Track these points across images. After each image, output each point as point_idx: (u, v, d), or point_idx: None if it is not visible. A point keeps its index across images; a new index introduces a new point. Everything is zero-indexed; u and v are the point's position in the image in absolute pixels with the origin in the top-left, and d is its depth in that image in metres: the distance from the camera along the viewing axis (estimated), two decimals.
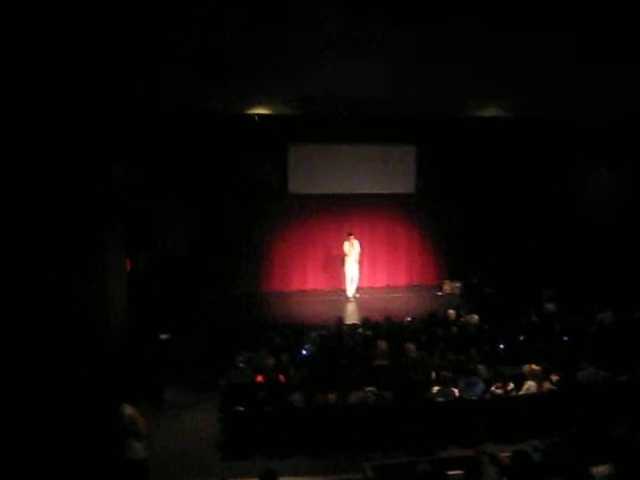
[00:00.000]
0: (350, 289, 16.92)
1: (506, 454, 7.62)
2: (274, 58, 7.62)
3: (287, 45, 7.03)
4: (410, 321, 13.28)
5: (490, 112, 12.19)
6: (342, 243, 17.31)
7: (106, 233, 8.06)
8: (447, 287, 17.68)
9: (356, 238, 16.78)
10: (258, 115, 11.69)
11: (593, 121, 13.78)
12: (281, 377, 10.55)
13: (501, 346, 11.94)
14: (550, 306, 13.98)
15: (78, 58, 6.47)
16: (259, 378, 10.63)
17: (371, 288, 17.79)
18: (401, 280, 18.37)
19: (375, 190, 17.37)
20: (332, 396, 9.99)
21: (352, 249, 16.67)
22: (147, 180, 14.07)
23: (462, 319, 13.28)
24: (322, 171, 16.71)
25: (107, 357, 7.61)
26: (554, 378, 10.53)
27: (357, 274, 16.91)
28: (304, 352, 11.63)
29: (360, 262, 16.95)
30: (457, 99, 11.34)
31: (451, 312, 13.52)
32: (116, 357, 8.46)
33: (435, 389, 10.23)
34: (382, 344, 11.58)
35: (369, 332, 12.42)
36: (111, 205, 8.59)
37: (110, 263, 8.26)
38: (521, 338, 12.32)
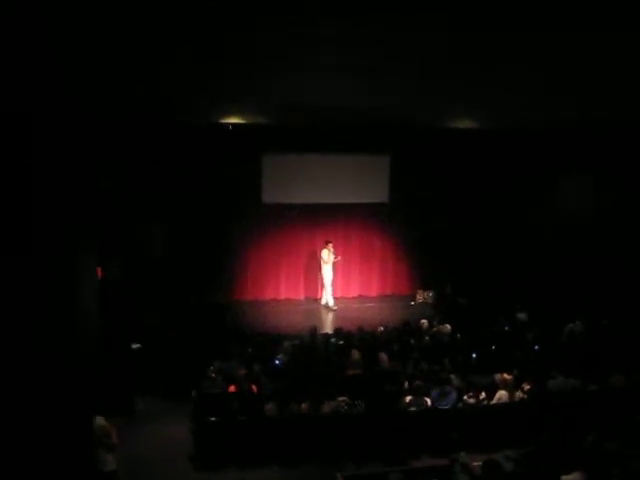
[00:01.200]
0: (329, 298, 16.98)
1: (478, 463, 7.71)
2: (246, 65, 7.57)
3: (259, 53, 6.99)
4: (383, 331, 13.30)
5: (464, 124, 12.31)
6: (316, 252, 17.45)
7: (77, 240, 7.93)
8: (420, 297, 17.71)
9: (334, 246, 16.87)
10: (232, 124, 11.67)
11: (565, 129, 13.92)
12: (253, 387, 10.50)
13: (473, 355, 12.00)
14: (522, 316, 14.10)
15: (58, 58, 6.40)
16: (231, 388, 10.57)
17: (344, 298, 17.80)
18: (374, 290, 18.40)
19: (349, 200, 17.40)
20: (305, 406, 9.98)
21: (330, 256, 16.74)
22: (121, 186, 13.93)
23: (435, 329, 13.35)
24: (296, 181, 16.72)
25: (77, 368, 7.49)
26: (526, 387, 10.61)
27: (331, 282, 16.96)
28: (277, 362, 11.61)
29: (334, 270, 17.05)
30: (431, 111, 11.41)
31: (424, 322, 13.57)
32: (87, 368, 8.32)
33: (408, 399, 10.25)
34: (355, 354, 11.62)
35: (342, 342, 12.42)
36: (83, 211, 8.46)
37: (81, 273, 8.13)
38: (493, 347, 12.42)
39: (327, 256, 16.77)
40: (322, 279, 17.09)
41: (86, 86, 8.52)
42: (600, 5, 5.35)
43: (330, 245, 16.81)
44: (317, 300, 17.35)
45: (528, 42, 6.46)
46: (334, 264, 16.96)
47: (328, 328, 14.18)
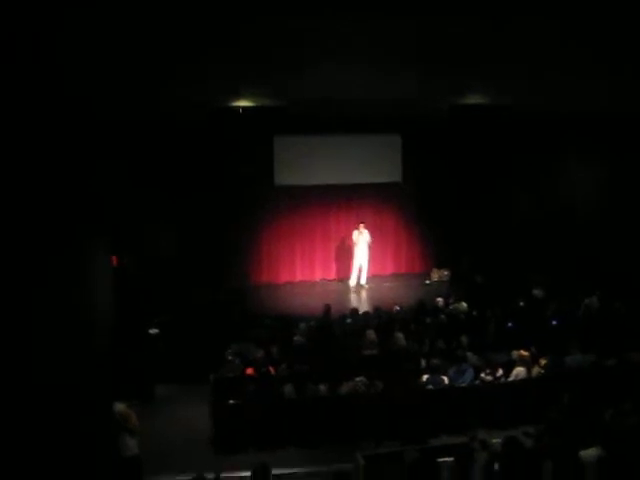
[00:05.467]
0: (357, 278, 16.94)
1: (497, 440, 7.74)
2: (260, 53, 7.56)
3: (273, 42, 6.97)
4: (398, 310, 13.28)
5: (473, 99, 12.19)
6: (330, 233, 17.51)
7: (91, 233, 8.02)
8: (435, 275, 17.64)
9: (366, 227, 16.76)
10: (242, 108, 11.61)
11: (579, 111, 13.79)
12: (271, 369, 10.54)
13: (490, 332, 12.03)
14: (538, 292, 14.04)
15: (58, 48, 6.38)
16: (249, 371, 10.63)
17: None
18: (389, 269, 18.34)
19: (361, 180, 17.35)
20: (323, 387, 10.03)
21: (361, 237, 16.67)
22: (132, 178, 13.98)
23: (451, 307, 13.33)
24: (308, 162, 16.67)
25: (96, 355, 7.58)
26: (542, 362, 10.61)
27: (366, 263, 16.92)
28: (295, 343, 11.65)
29: (370, 251, 16.97)
30: (437, 89, 11.30)
31: (439, 300, 13.54)
32: (105, 355, 8.42)
33: (425, 377, 10.28)
34: (370, 334, 11.62)
35: (358, 322, 12.43)
36: (97, 206, 8.52)
37: (96, 261, 8.22)
38: (510, 324, 12.41)
39: (356, 237, 16.73)
40: (352, 259, 17.03)
41: (97, 84, 8.51)
42: None
43: (361, 226, 16.69)
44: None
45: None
46: (369, 246, 16.82)
47: (346, 308, 14.02)
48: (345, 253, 17.42)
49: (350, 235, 17.00)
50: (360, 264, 16.88)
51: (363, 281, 16.97)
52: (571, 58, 8.38)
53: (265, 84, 10.10)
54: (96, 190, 8.70)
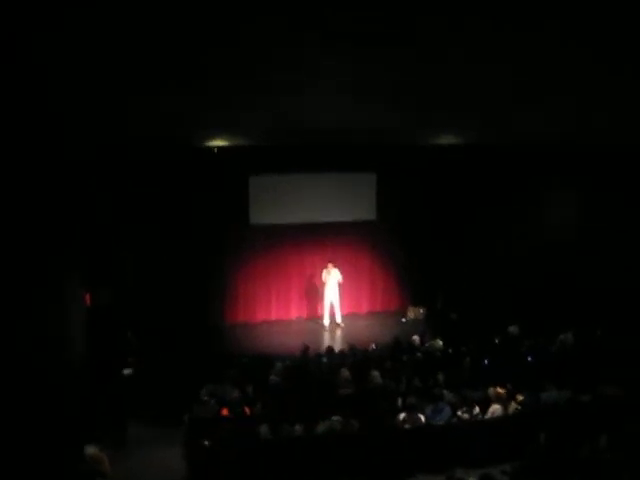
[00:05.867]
0: (331, 316, 16.93)
1: (474, 479, 7.68)
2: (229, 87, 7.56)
3: (243, 73, 6.98)
4: (374, 348, 13.24)
5: (447, 140, 12.33)
6: (305, 271, 17.50)
7: (63, 271, 7.89)
8: (411, 313, 17.59)
9: (336, 266, 16.82)
10: (217, 147, 11.65)
11: (549, 142, 14.01)
12: (246, 410, 10.41)
13: (465, 369, 12.01)
14: (513, 329, 14.05)
15: (45, 79, 6.36)
16: (224, 411, 10.48)
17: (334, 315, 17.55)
18: (364, 307, 18.30)
19: (336, 218, 17.39)
20: (299, 427, 9.93)
21: (329, 277, 16.71)
22: (106, 216, 13.89)
23: (427, 344, 13.30)
24: (283, 201, 16.72)
25: (67, 397, 7.42)
26: (519, 399, 10.60)
27: (337, 301, 16.95)
28: (270, 383, 11.51)
29: (341, 289, 17.02)
30: (414, 127, 11.43)
31: (415, 338, 13.49)
32: (76, 397, 8.25)
33: (402, 416, 10.21)
34: (345, 372, 11.56)
35: (334, 360, 12.36)
36: (68, 242, 8.40)
37: (69, 300, 8.09)
38: (485, 361, 12.41)
39: (324, 277, 16.77)
40: (323, 298, 17.06)
41: (71, 112, 8.49)
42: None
43: (330, 265, 16.76)
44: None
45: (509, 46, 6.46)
46: (339, 284, 16.87)
47: (321, 347, 14.06)
48: (319, 292, 17.40)
49: (320, 274, 17.05)
50: (331, 302, 16.88)
51: (339, 319, 16.93)
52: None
53: (239, 120, 10.10)
54: (70, 224, 8.57)
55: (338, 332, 16.68)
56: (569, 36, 5.99)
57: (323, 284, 16.89)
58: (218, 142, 11.57)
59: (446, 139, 12.22)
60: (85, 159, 11.10)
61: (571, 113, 10.34)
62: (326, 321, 16.91)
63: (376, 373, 11.60)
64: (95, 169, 12.49)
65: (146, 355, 12.65)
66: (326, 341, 15.70)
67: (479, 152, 13.70)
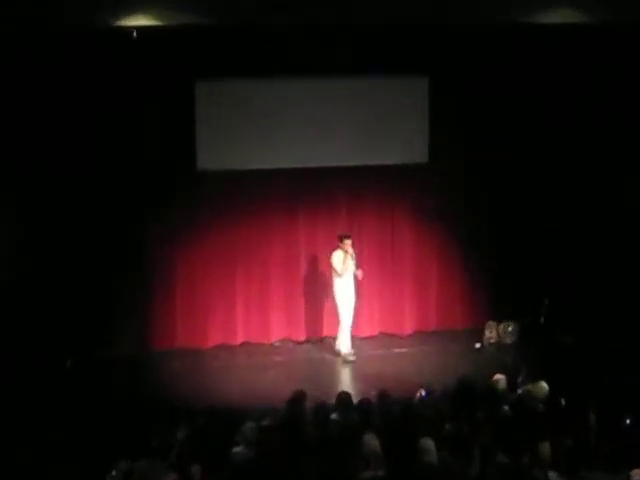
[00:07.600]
0: (343, 340, 11.92)
1: None
2: None
3: None
4: (425, 397, 9.35)
5: (556, 16, 8.77)
6: (300, 255, 12.41)
7: None
8: (491, 334, 12.80)
9: (353, 245, 11.64)
10: (136, 28, 8.31)
11: None
12: None
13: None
14: None
15: None
16: None
17: (356, 338, 12.34)
18: (407, 324, 12.86)
19: (353, 161, 12.00)
20: None
21: (348, 262, 11.59)
22: None
23: (520, 390, 9.47)
24: (256, 130, 11.71)
25: None
26: None
27: (351, 310, 11.86)
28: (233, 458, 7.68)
29: (358, 288, 11.94)
30: None
31: (500, 378, 9.53)
32: None
33: None
34: (371, 440, 7.62)
35: (350, 419, 8.44)
36: None
37: None
38: (627, 421, 8.58)
39: (342, 262, 11.57)
40: (335, 305, 11.92)
41: None
42: None
43: (348, 242, 11.54)
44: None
45: None
46: (356, 278, 11.79)
47: (327, 393, 9.49)
48: (322, 293, 12.30)
49: (326, 259, 11.87)
50: (351, 310, 11.83)
51: (346, 346, 11.85)
52: None
53: None
54: None
55: (356, 368, 11.74)
56: None
57: (335, 276, 11.74)
58: (139, 21, 8.24)
59: (559, 15, 8.71)
60: None
61: None
62: (343, 344, 11.86)
63: (429, 442, 7.74)
64: None
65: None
66: (337, 382, 11.01)
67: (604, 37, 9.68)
